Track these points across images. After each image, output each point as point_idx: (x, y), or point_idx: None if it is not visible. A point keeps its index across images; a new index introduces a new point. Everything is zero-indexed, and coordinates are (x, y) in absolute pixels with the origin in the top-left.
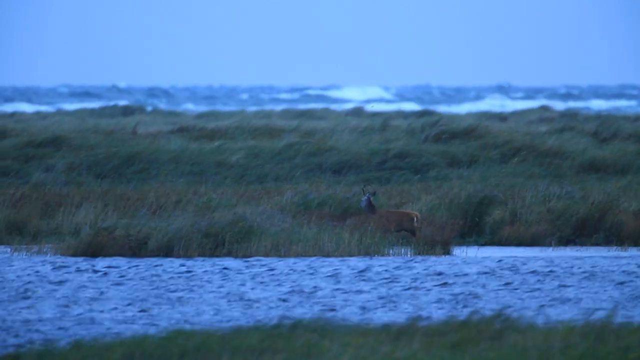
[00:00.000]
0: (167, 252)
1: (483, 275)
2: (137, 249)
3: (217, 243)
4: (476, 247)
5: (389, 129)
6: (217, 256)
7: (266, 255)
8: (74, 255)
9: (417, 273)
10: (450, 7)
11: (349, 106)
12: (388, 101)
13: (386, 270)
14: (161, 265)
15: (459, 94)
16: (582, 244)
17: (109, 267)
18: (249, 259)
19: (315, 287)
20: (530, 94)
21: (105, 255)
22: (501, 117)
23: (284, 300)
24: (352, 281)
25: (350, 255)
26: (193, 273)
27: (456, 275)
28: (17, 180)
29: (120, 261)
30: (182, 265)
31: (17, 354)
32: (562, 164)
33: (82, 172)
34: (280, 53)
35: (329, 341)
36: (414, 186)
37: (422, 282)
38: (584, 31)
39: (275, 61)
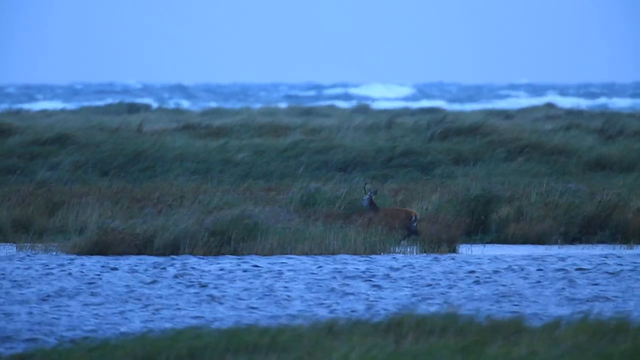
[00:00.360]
0: (173, 250)
1: (514, 274)
2: (142, 247)
3: (223, 241)
4: (482, 245)
5: (395, 126)
6: (223, 254)
7: (272, 253)
8: (80, 253)
9: (445, 271)
10: (461, 5)
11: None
12: (407, 99)
13: (414, 268)
14: (188, 263)
15: (478, 92)
16: (587, 242)
17: (137, 265)
18: (272, 257)
19: (346, 285)
20: (545, 91)
21: (112, 254)
22: (507, 114)
23: (317, 298)
24: (383, 279)
25: (356, 253)
26: (223, 271)
27: (486, 273)
28: (22, 178)
29: (148, 259)
30: (212, 263)
31: (24, 354)
32: (568, 162)
33: (87, 170)
34: (296, 50)
35: (335, 339)
36: (420, 184)
37: (454, 280)
38: (591, 29)
39: (286, 59)
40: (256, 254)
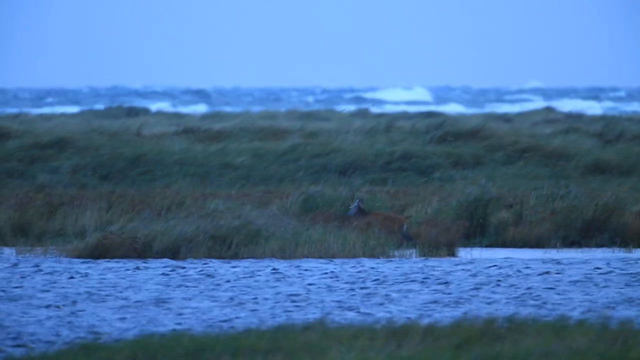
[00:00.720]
0: (173, 254)
1: (536, 277)
2: (142, 252)
3: (224, 245)
4: (480, 248)
5: (394, 130)
6: (224, 258)
7: (272, 257)
8: (80, 257)
9: (466, 275)
10: (466, 7)
11: (389, 108)
12: (426, 103)
13: (437, 272)
14: (210, 266)
15: (492, 96)
16: (586, 245)
17: (156, 268)
18: (292, 261)
19: (368, 288)
20: (558, 95)
21: (112, 258)
22: (506, 118)
23: (340, 302)
24: (404, 283)
25: (355, 257)
26: (244, 274)
27: (517, 277)
28: (21, 181)
29: (169, 262)
30: (233, 266)
31: (21, 357)
32: (567, 166)
33: (87, 173)
34: (303, 54)
35: (333, 341)
36: (420, 188)
37: (480, 284)
38: (600, 32)
39: (294, 64)
40: (258, 258)
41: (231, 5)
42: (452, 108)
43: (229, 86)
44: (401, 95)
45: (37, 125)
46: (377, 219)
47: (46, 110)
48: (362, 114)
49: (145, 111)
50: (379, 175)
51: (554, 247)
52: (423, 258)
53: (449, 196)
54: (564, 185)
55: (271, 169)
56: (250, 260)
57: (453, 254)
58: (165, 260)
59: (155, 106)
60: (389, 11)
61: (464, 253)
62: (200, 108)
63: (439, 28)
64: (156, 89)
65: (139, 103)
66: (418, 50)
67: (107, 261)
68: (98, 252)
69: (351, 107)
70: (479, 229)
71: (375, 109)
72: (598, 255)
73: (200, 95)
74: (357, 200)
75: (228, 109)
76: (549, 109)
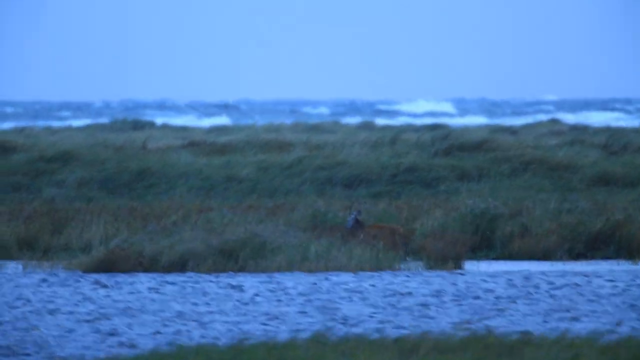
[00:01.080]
0: (179, 268)
1: (571, 289)
2: (148, 266)
3: (230, 259)
4: (487, 261)
5: (400, 142)
6: (231, 271)
7: (279, 270)
8: (86, 271)
9: (504, 288)
10: (475, 19)
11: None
12: (451, 115)
13: (464, 286)
14: (236, 279)
15: (509, 108)
16: (592, 258)
17: (184, 282)
18: (315, 274)
19: (399, 301)
20: (578, 107)
21: (118, 272)
22: (512, 130)
23: (371, 316)
24: (433, 296)
25: (363, 270)
26: (274, 289)
27: (547, 290)
28: (27, 195)
29: (192, 275)
30: (264, 280)
31: None
32: (572, 178)
33: (92, 187)
34: (328, 66)
35: (339, 354)
36: (425, 200)
37: (512, 297)
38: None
39: (321, 73)
40: (266, 271)
41: (250, 17)
42: (474, 120)
43: (255, 98)
44: (424, 107)
45: (43, 139)
46: (383, 232)
47: (56, 123)
48: (368, 126)
49: (151, 124)
50: (384, 188)
51: (560, 259)
52: (443, 271)
53: (454, 209)
54: (572, 200)
55: (276, 181)
56: (275, 273)
57: (460, 267)
58: (189, 273)
59: (177, 120)
60: (403, 23)
61: (470, 266)
62: (223, 120)
63: (452, 40)
64: (178, 102)
65: (155, 116)
66: (432, 62)
67: (131, 275)
68: (104, 266)
69: (356, 120)
70: (485, 241)
71: (381, 121)
72: (606, 267)
73: (221, 108)
74: (354, 213)
75: (249, 121)
76: (554, 121)
